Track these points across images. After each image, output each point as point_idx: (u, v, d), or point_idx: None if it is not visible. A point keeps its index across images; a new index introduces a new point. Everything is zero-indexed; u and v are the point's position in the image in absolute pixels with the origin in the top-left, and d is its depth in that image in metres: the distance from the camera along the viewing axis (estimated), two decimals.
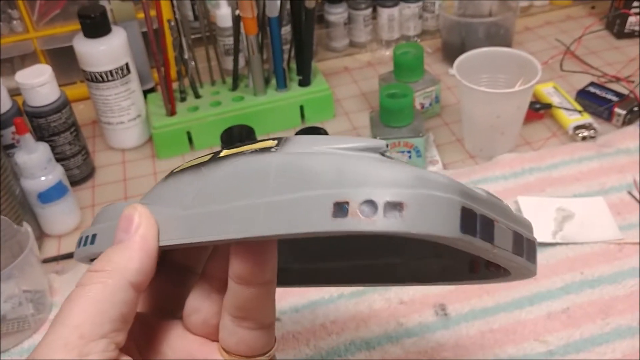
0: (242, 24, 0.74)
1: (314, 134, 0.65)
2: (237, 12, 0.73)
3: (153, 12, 0.75)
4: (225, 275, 0.29)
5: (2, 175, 0.62)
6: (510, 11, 0.86)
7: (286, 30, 0.84)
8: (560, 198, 0.66)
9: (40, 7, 0.82)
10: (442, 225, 0.22)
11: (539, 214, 0.64)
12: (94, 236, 0.32)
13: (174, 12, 0.74)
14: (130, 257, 0.28)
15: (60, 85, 0.84)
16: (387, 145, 0.26)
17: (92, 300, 0.27)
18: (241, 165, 0.27)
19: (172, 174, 0.31)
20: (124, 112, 0.76)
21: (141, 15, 0.81)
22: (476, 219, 0.23)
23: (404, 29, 0.93)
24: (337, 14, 0.91)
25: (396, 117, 0.70)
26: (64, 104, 0.70)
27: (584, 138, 0.73)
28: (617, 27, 0.90)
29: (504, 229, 0.25)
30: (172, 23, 0.73)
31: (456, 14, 0.88)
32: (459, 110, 0.76)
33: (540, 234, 0.61)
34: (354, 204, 0.22)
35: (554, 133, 0.76)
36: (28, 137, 0.63)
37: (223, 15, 0.85)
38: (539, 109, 0.77)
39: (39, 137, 0.70)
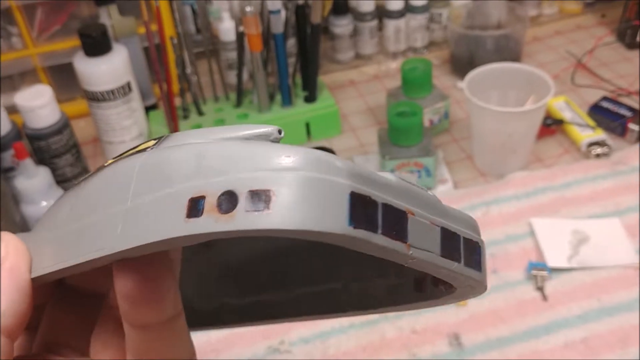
0: (245, 40, 0.72)
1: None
2: (241, 28, 0.71)
3: (155, 27, 0.73)
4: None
5: (1, 201, 0.60)
6: (519, 22, 0.84)
7: (291, 43, 0.82)
8: (575, 220, 0.64)
9: (40, 23, 0.80)
10: (323, 218, 0.17)
11: (554, 237, 0.62)
12: None
13: (176, 27, 0.73)
14: None
15: (60, 101, 0.83)
16: (280, 132, 0.20)
17: None
18: (110, 172, 0.22)
19: (64, 194, 0.26)
20: (126, 131, 0.74)
21: (142, 30, 0.79)
22: (376, 209, 0.18)
23: (411, 40, 0.91)
24: (342, 25, 0.89)
25: (405, 136, 0.68)
26: (64, 126, 0.68)
27: (597, 155, 0.72)
28: (628, 38, 0.88)
29: (426, 224, 0.19)
30: (175, 41, 0.71)
31: (464, 25, 0.86)
32: (469, 125, 0.75)
33: (557, 259, 0.60)
34: (211, 198, 0.17)
35: (567, 149, 0.74)
36: (28, 162, 0.62)
37: (226, 29, 0.83)
38: (550, 125, 0.75)
39: (40, 160, 0.68)
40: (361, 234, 0.17)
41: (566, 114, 0.76)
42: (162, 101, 0.74)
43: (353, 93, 0.87)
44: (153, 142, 0.22)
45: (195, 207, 0.17)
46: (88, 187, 0.23)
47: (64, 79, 0.83)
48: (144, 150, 0.21)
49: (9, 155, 0.67)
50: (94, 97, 0.72)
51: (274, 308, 0.32)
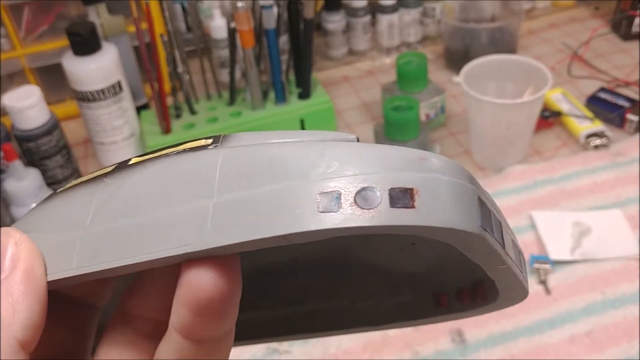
0: (237, 37, 0.71)
1: None
2: (233, 24, 0.70)
3: (145, 26, 0.72)
4: (155, 315, 0.22)
5: None
6: (514, 15, 0.84)
7: (283, 39, 0.81)
8: (576, 212, 0.63)
9: (27, 24, 0.79)
10: (462, 218, 0.17)
11: (555, 230, 0.61)
12: None
13: (167, 25, 0.71)
14: (13, 305, 0.20)
15: (50, 103, 0.82)
16: (357, 139, 0.20)
17: None
18: (168, 166, 0.20)
19: (54, 194, 0.24)
20: (117, 131, 0.73)
21: (132, 29, 0.78)
22: (490, 215, 0.19)
23: (405, 35, 0.90)
24: (335, 21, 0.88)
25: (402, 130, 0.67)
26: (54, 126, 0.67)
27: (596, 147, 0.71)
28: (623, 29, 0.88)
29: (509, 233, 0.20)
30: (165, 38, 0.70)
31: (458, 18, 0.85)
32: (465, 119, 0.74)
33: (559, 252, 0.59)
34: (348, 194, 0.17)
35: (565, 142, 0.73)
36: (17, 164, 0.60)
37: (217, 26, 0.82)
38: (548, 117, 0.74)
39: (29, 161, 0.67)
40: (486, 235, 0.18)
41: (563, 106, 0.76)
42: (154, 100, 0.72)
43: (347, 89, 0.86)
44: (208, 140, 0.21)
45: (329, 202, 0.17)
46: (130, 183, 0.21)
47: (53, 80, 0.82)
48: (204, 147, 0.20)
49: None
50: (84, 97, 0.70)
51: (278, 325, 0.31)
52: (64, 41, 0.74)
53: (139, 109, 0.80)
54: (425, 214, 0.17)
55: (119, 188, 0.21)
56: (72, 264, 0.21)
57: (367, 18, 0.88)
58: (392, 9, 0.87)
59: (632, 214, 0.62)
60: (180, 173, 0.19)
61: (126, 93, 0.73)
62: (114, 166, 0.22)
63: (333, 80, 0.88)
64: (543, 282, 0.57)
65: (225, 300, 0.19)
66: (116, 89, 0.71)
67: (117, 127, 0.73)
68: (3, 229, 0.22)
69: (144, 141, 0.75)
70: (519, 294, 0.22)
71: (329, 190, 0.17)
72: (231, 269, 0.19)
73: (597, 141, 0.71)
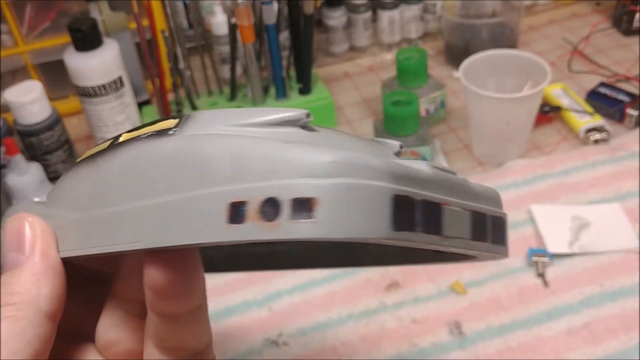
0: (238, 32, 0.71)
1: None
2: (233, 20, 0.70)
3: (146, 22, 0.73)
4: (140, 297, 0.24)
5: None
6: (514, 11, 0.84)
7: (284, 36, 0.81)
8: (575, 206, 0.63)
9: (29, 20, 0.79)
10: (367, 224, 0.17)
11: (554, 224, 0.61)
12: None
13: (168, 21, 0.72)
14: (37, 281, 0.23)
15: (52, 100, 0.82)
16: (308, 116, 0.20)
17: (5, 338, 0.22)
18: (134, 155, 0.21)
19: (74, 165, 0.26)
20: (119, 126, 0.73)
21: (133, 25, 0.78)
22: (414, 208, 0.18)
23: (405, 31, 0.90)
24: (336, 17, 0.88)
25: (401, 125, 0.67)
26: (56, 121, 0.67)
27: (596, 141, 0.71)
28: (624, 25, 0.88)
29: (458, 211, 0.20)
30: (166, 34, 0.70)
31: (458, 14, 0.85)
32: (466, 115, 0.74)
33: (557, 245, 0.59)
34: (253, 205, 0.17)
35: (565, 137, 0.73)
36: (19, 158, 0.61)
37: (218, 22, 0.82)
38: (548, 112, 0.74)
39: (31, 156, 0.67)
40: (403, 235, 0.18)
41: (563, 101, 0.76)
42: (155, 96, 0.73)
43: (348, 85, 0.86)
44: (174, 121, 0.22)
45: (237, 212, 0.18)
46: (111, 169, 0.22)
47: (55, 76, 0.82)
48: (167, 131, 0.21)
49: (0, 152, 0.66)
50: (86, 93, 0.71)
51: (289, 257, 0.32)
52: (66, 38, 0.75)
53: (141, 105, 0.80)
54: (325, 226, 0.17)
55: (103, 173, 0.23)
56: (75, 244, 0.23)
57: (368, 14, 0.88)
58: (393, 5, 0.87)
59: (631, 208, 0.62)
60: (140, 164, 0.21)
61: (127, 89, 0.73)
62: (109, 142, 0.24)
63: (334, 76, 0.88)
64: (541, 275, 0.57)
65: (174, 286, 0.22)
66: (117, 84, 0.71)
67: (119, 123, 0.73)
68: (17, 214, 0.24)
69: None
70: (493, 255, 0.22)
71: (237, 200, 0.18)
72: (178, 263, 0.22)
73: (597, 136, 0.71)
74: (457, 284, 0.57)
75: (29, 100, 0.65)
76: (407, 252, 0.29)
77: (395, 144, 0.23)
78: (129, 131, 0.23)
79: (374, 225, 0.17)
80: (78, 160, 0.26)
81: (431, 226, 0.19)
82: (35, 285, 0.23)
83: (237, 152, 0.19)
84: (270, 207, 0.17)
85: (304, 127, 0.20)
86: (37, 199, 0.63)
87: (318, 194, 0.17)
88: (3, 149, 0.64)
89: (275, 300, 0.57)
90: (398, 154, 0.22)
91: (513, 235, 0.61)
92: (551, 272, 0.58)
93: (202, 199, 0.18)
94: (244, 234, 0.17)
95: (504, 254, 0.23)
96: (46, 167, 0.67)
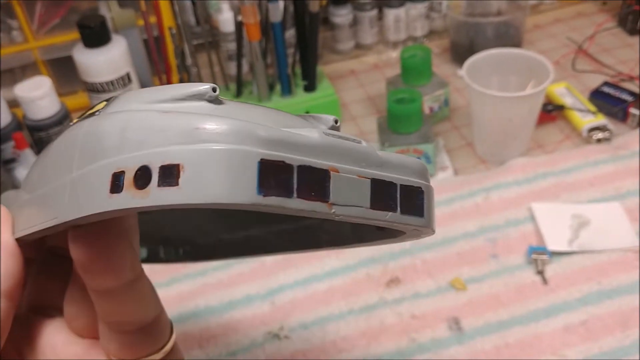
0: (244, 30, 0.72)
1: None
2: (239, 18, 0.71)
3: (154, 19, 0.74)
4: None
5: (1, 191, 0.60)
6: (519, 10, 0.84)
7: (290, 33, 0.82)
8: (576, 204, 0.64)
9: (39, 17, 0.80)
10: (231, 190, 0.17)
11: (555, 222, 0.62)
12: None
13: (176, 19, 0.73)
14: None
15: (61, 95, 0.84)
16: (214, 90, 0.20)
17: None
18: (62, 137, 0.22)
19: (40, 154, 0.27)
20: None
21: (142, 22, 0.79)
22: (290, 174, 0.18)
23: (411, 29, 0.91)
24: (342, 15, 0.89)
25: (404, 123, 0.68)
26: (65, 116, 0.68)
27: (598, 140, 0.71)
28: (629, 24, 0.88)
29: (352, 178, 0.19)
30: (174, 31, 0.71)
31: (464, 13, 0.86)
32: (469, 113, 0.74)
33: (557, 243, 0.60)
34: (130, 174, 0.18)
35: (567, 135, 0.74)
36: (28, 152, 0.62)
37: (225, 20, 0.83)
38: (551, 111, 0.75)
39: (40, 151, 0.69)
40: (273, 200, 0.17)
41: (567, 100, 0.76)
42: None
43: (353, 83, 0.87)
44: (104, 104, 0.22)
45: (116, 182, 0.18)
46: (50, 152, 0.23)
47: (64, 72, 0.84)
48: (94, 113, 0.22)
49: (9, 147, 0.67)
50: (94, 89, 0.72)
51: (261, 243, 0.34)
52: (75, 34, 0.76)
53: None
54: (189, 191, 0.17)
55: (47, 155, 0.23)
56: (23, 224, 0.24)
57: (373, 12, 0.89)
58: (399, 3, 0.88)
59: (632, 207, 0.63)
60: (63, 145, 0.22)
61: (135, 85, 0.75)
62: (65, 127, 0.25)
63: (340, 73, 0.89)
64: (540, 273, 0.58)
65: (96, 261, 0.23)
66: (125, 80, 0.73)
67: None
68: None
69: None
70: (415, 229, 0.22)
71: (117, 170, 0.18)
72: (96, 237, 0.22)
73: (600, 135, 0.72)
74: (456, 280, 0.58)
75: (39, 96, 0.66)
76: (356, 231, 0.29)
77: (329, 118, 0.22)
78: (78, 117, 0.24)
79: (238, 191, 0.17)
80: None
81: (313, 192, 0.18)
82: None
83: (124, 124, 0.19)
84: (143, 176, 0.18)
85: (212, 100, 0.20)
86: None
87: (182, 160, 0.17)
88: (12, 143, 0.65)
89: (278, 295, 0.58)
90: (334, 129, 0.22)
91: (513, 233, 0.62)
92: (550, 270, 0.58)
93: (93, 172, 0.19)
94: (120, 203, 0.18)
95: (424, 226, 0.22)
96: None
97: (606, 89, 0.76)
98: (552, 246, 0.59)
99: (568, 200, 0.64)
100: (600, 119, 0.73)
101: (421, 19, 0.90)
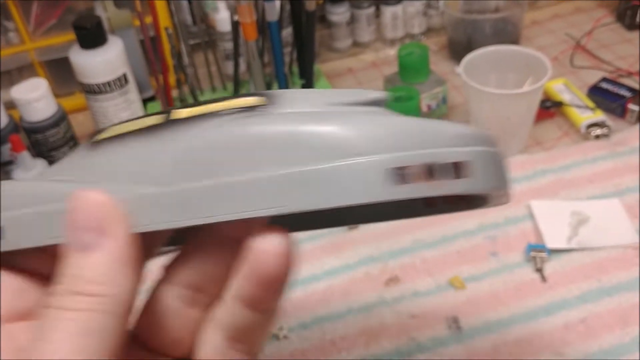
0: (241, 29, 0.72)
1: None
2: (236, 17, 0.71)
3: (150, 19, 0.73)
4: (200, 284, 0.24)
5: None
6: (517, 6, 0.84)
7: (287, 32, 0.82)
8: (575, 201, 0.63)
9: (35, 18, 0.80)
10: (499, 180, 0.23)
11: (553, 219, 0.61)
12: None
13: (172, 18, 0.73)
14: (121, 271, 0.21)
15: (59, 96, 0.84)
16: (388, 97, 0.25)
17: (78, 333, 0.20)
18: (229, 129, 0.23)
19: (98, 142, 0.26)
20: None
21: (138, 22, 0.79)
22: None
23: (409, 26, 0.90)
24: (339, 13, 0.88)
25: None
26: (61, 118, 0.68)
27: (597, 136, 0.71)
28: (628, 19, 0.88)
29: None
30: (170, 31, 0.71)
31: (461, 10, 0.86)
32: (467, 111, 0.74)
33: (556, 240, 0.59)
34: (415, 169, 0.21)
35: (566, 132, 0.73)
36: (25, 155, 0.62)
37: (222, 19, 0.82)
38: (549, 107, 0.75)
39: (38, 153, 0.69)
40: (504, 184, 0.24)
41: (565, 96, 0.76)
42: (158, 92, 0.74)
43: (351, 81, 0.87)
44: (256, 99, 0.24)
45: (400, 175, 0.21)
46: (202, 142, 0.23)
47: (61, 73, 0.83)
48: (254, 108, 0.23)
49: (7, 149, 0.67)
50: (91, 90, 0.72)
51: (292, 220, 0.33)
52: (72, 35, 0.75)
53: (146, 101, 0.81)
54: (476, 182, 0.22)
55: (186, 146, 0.23)
56: (165, 217, 0.23)
57: (371, 10, 0.89)
58: (396, 1, 0.87)
59: (631, 203, 0.63)
60: (248, 138, 0.22)
61: (132, 85, 0.74)
62: (159, 117, 0.25)
63: (338, 71, 0.89)
64: (539, 270, 0.58)
65: (289, 274, 0.22)
66: (122, 81, 0.72)
67: (124, 119, 0.74)
68: (80, 191, 0.22)
69: None
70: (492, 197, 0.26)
71: (398, 165, 0.21)
72: (291, 249, 0.22)
73: (598, 131, 0.71)
74: (455, 279, 0.58)
75: (35, 98, 0.66)
76: (400, 208, 0.31)
77: (383, 94, 0.25)
78: (184, 107, 0.24)
79: (502, 180, 0.23)
80: (100, 138, 0.26)
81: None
82: (117, 274, 0.21)
83: (371, 125, 0.22)
84: (429, 170, 0.21)
85: (384, 106, 0.24)
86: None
87: (470, 158, 0.22)
88: (9, 145, 0.65)
89: None
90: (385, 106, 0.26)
91: (512, 231, 0.61)
92: (549, 268, 0.58)
93: (354, 165, 0.21)
94: (412, 192, 0.21)
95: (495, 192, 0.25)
96: (52, 164, 0.68)
97: (604, 85, 0.76)
98: (551, 244, 0.59)
99: (567, 197, 0.64)
100: (599, 115, 0.73)
101: (419, 16, 0.89)
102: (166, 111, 0.25)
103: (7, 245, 0.26)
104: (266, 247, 0.22)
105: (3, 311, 0.25)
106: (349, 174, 0.21)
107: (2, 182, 0.27)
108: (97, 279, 0.21)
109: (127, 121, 0.26)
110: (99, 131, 0.27)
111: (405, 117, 0.23)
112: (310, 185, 0.21)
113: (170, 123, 0.24)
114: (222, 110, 0.24)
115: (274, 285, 0.22)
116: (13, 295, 0.26)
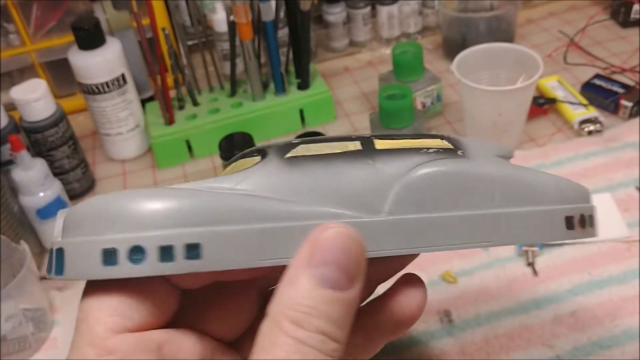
0: (237, 30, 0.73)
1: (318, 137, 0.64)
2: (232, 17, 0.72)
3: (148, 21, 0.74)
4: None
5: (0, 192, 0.61)
6: (512, 4, 0.84)
7: (284, 32, 0.83)
8: None
9: (36, 20, 0.82)
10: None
11: None
12: (197, 247, 0.24)
13: (170, 19, 0.73)
14: (351, 319, 0.24)
15: (59, 97, 0.85)
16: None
17: None
18: (441, 171, 0.27)
19: (295, 159, 0.26)
20: (122, 123, 0.76)
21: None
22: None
23: (404, 26, 0.91)
24: (335, 13, 0.89)
25: (396, 118, 0.68)
26: (60, 118, 0.69)
27: (590, 132, 0.72)
28: (622, 16, 0.88)
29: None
30: (167, 32, 0.72)
31: (456, 9, 0.86)
32: (462, 108, 0.75)
33: None
34: (577, 218, 0.29)
35: (559, 128, 0.74)
36: (24, 154, 0.63)
37: (220, 20, 0.84)
38: (543, 104, 0.75)
39: (37, 152, 0.70)
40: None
41: (559, 93, 0.76)
42: (156, 92, 0.75)
43: (347, 80, 0.88)
44: (443, 142, 0.28)
45: (569, 222, 0.28)
46: (410, 179, 0.26)
47: (62, 74, 0.85)
48: (453, 151, 0.28)
49: (7, 149, 0.68)
50: (90, 90, 0.73)
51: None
52: (71, 37, 0.77)
53: (145, 102, 0.82)
54: (599, 231, 0.32)
55: (400, 182, 0.26)
56: (391, 244, 0.25)
57: (367, 9, 0.90)
58: (392, 0, 0.88)
59: (622, 198, 0.63)
60: (456, 180, 0.27)
61: (130, 86, 0.75)
62: (358, 143, 0.27)
63: (334, 71, 0.90)
64: (531, 264, 0.58)
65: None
66: (120, 82, 0.73)
67: (122, 119, 0.75)
68: (342, 227, 0.23)
69: (148, 132, 0.77)
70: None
71: (568, 215, 0.29)
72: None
73: (591, 127, 0.72)
74: (447, 273, 0.59)
75: (34, 98, 0.67)
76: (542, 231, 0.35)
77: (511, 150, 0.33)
78: (378, 137, 0.28)
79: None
80: (298, 154, 0.26)
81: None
82: (350, 322, 0.23)
83: (556, 182, 0.30)
84: (584, 220, 0.30)
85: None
86: (178, 186, 0.63)
87: (593, 212, 0.31)
88: (9, 145, 0.66)
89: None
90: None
91: None
92: (541, 262, 0.59)
93: (542, 213, 0.28)
94: (574, 235, 0.29)
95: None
96: (51, 163, 0.69)
97: (597, 82, 0.76)
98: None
99: None
100: (592, 112, 0.73)
101: (414, 16, 0.90)
102: (364, 138, 0.27)
103: (206, 266, 0.24)
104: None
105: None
106: (546, 218, 0.28)
107: (170, 187, 0.26)
108: (340, 323, 0.23)
109: (319, 140, 0.27)
110: (287, 145, 0.27)
111: (547, 173, 0.30)
112: (519, 224, 0.27)
113: (371, 151, 0.26)
114: (422, 147, 0.27)
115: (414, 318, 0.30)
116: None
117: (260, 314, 0.29)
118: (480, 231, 0.26)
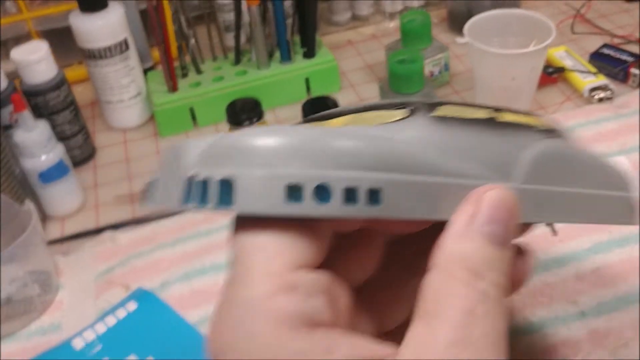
0: None
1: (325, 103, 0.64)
2: None
3: None
4: None
5: (0, 155, 0.59)
6: None
7: (288, 4, 0.81)
8: None
9: None
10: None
11: None
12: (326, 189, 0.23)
13: None
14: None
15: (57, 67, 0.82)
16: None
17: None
18: (555, 149, 0.29)
19: (442, 118, 0.27)
20: (124, 89, 0.74)
21: None
22: None
23: None
24: None
25: (407, 83, 0.67)
26: (62, 82, 0.67)
27: (600, 100, 0.71)
28: None
29: None
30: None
31: None
32: (469, 78, 0.74)
33: None
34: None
35: (569, 97, 0.74)
36: (27, 115, 0.61)
37: None
38: (552, 73, 0.75)
39: (38, 117, 0.67)
40: None
41: (567, 63, 0.76)
42: (161, 59, 0.73)
43: (351, 52, 0.86)
44: (544, 121, 0.31)
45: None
46: (543, 153, 0.28)
47: (59, 44, 0.82)
48: (553, 131, 0.31)
49: (7, 113, 0.66)
50: (91, 55, 0.71)
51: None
52: (69, 5, 0.75)
53: (145, 72, 0.80)
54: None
55: (542, 151, 0.28)
56: (524, 212, 0.27)
57: None
58: None
59: (636, 160, 0.63)
60: (565, 158, 0.30)
61: (132, 51, 0.74)
62: (486, 111, 0.28)
63: (338, 44, 0.88)
64: (550, 225, 0.57)
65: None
66: (122, 47, 0.72)
67: (124, 86, 0.73)
68: (485, 187, 0.26)
69: (150, 100, 0.75)
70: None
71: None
72: None
73: (601, 94, 0.71)
74: None
75: (35, 60, 0.65)
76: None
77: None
78: (505, 111, 0.29)
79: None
80: (443, 114, 0.27)
81: None
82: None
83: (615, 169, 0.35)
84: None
85: None
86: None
87: None
88: (10, 108, 0.64)
89: None
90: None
91: None
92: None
93: (623, 197, 0.33)
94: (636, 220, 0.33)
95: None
96: (53, 128, 0.67)
97: (606, 51, 0.76)
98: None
99: None
100: (601, 79, 0.73)
101: None
102: (492, 108, 0.29)
103: (383, 213, 0.24)
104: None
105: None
106: (630, 203, 0.32)
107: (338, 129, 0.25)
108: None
109: (456, 103, 0.28)
110: (431, 103, 0.27)
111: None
112: (619, 206, 0.32)
113: (504, 123, 0.28)
114: (537, 126, 0.30)
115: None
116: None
117: (384, 262, 0.31)
118: (598, 210, 0.30)
